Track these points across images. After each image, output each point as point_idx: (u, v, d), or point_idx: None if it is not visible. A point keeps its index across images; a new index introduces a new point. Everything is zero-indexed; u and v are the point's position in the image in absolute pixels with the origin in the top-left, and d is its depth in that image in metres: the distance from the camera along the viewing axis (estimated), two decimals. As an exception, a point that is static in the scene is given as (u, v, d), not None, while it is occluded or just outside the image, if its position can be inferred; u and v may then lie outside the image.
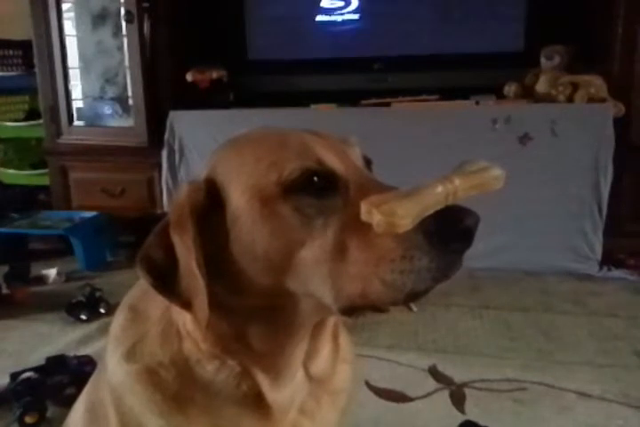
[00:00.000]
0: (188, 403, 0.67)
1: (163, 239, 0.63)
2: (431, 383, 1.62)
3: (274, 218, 0.60)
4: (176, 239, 0.62)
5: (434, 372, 1.68)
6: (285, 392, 0.69)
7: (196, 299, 0.61)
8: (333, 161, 0.62)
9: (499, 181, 0.57)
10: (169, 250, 0.62)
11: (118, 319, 0.74)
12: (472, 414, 1.47)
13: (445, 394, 1.57)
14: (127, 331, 0.72)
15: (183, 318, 0.68)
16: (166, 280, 0.63)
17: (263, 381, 0.68)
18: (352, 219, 0.56)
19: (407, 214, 0.51)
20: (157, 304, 0.71)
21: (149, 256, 0.63)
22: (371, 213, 0.52)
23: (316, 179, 0.60)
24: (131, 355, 0.69)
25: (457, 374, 1.66)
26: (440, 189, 0.53)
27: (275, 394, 0.68)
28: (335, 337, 0.77)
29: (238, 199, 0.62)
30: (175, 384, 0.67)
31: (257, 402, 0.68)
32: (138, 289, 0.76)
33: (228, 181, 0.64)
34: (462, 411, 1.49)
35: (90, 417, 0.80)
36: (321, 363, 0.73)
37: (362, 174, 0.63)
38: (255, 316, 0.66)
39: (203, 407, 0.67)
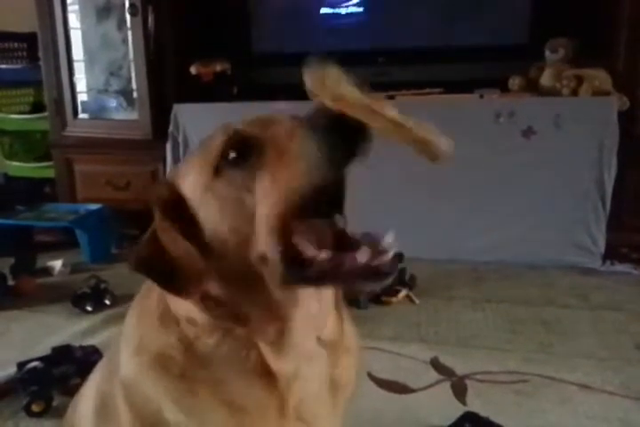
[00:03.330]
0: (196, 381, 0.68)
1: (152, 241, 0.68)
2: (433, 375, 1.64)
3: (218, 198, 0.65)
4: (161, 235, 0.67)
5: (436, 364, 1.69)
6: (289, 361, 0.70)
7: (187, 259, 0.64)
8: (247, 128, 0.66)
9: (442, 148, 0.58)
10: (159, 247, 0.66)
11: (129, 320, 0.77)
12: (473, 405, 1.48)
13: (447, 386, 1.59)
14: (135, 329, 0.75)
15: (175, 303, 0.70)
16: (168, 276, 0.66)
17: (265, 350, 0.68)
18: (278, 163, 0.61)
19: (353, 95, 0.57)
20: (155, 296, 0.73)
21: (144, 258, 0.68)
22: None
23: (231, 152, 0.64)
24: (139, 348, 0.72)
25: (458, 365, 1.68)
26: (396, 112, 0.58)
27: (278, 363, 0.69)
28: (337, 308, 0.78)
29: (192, 195, 0.68)
30: (182, 363, 0.68)
31: (264, 372, 0.69)
32: (143, 287, 0.79)
33: (182, 182, 0.70)
34: (464, 402, 1.50)
35: (101, 413, 0.81)
36: (328, 328, 0.74)
37: (276, 129, 0.65)
38: (242, 286, 0.68)
39: (211, 382, 0.68)
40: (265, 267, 0.64)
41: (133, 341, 0.73)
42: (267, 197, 0.61)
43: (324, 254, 0.61)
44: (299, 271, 0.62)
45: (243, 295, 0.68)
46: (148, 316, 0.73)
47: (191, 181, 0.68)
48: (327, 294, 0.73)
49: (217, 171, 0.65)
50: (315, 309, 0.70)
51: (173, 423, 0.68)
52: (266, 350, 0.68)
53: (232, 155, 0.64)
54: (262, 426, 0.70)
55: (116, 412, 0.74)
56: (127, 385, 0.72)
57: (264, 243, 0.63)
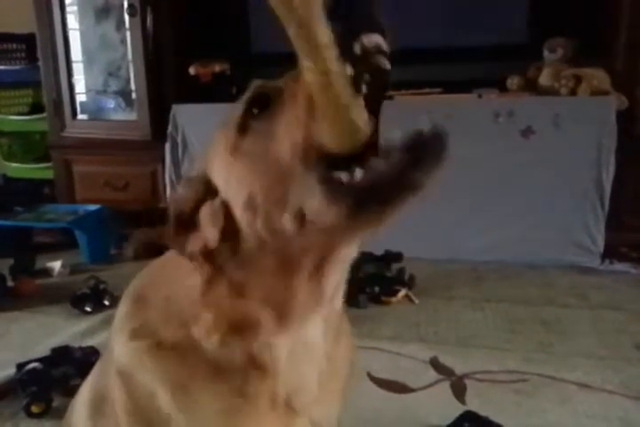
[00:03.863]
0: (195, 374, 0.67)
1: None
2: (432, 375, 1.64)
3: (247, 156, 0.60)
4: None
5: (435, 363, 1.69)
6: (284, 346, 0.67)
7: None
8: (269, 83, 0.64)
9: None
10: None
11: (123, 307, 0.75)
12: (473, 404, 1.48)
13: (446, 385, 1.59)
14: (133, 316, 0.72)
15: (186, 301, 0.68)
16: None
17: (257, 344, 0.66)
18: (295, 99, 0.57)
19: None
20: (162, 292, 0.71)
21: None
22: None
23: (254, 108, 0.62)
24: (136, 334, 0.70)
25: (458, 365, 1.67)
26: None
27: (271, 354, 0.67)
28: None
29: (219, 172, 0.64)
30: (180, 358, 0.67)
31: (252, 365, 0.67)
32: (141, 279, 0.77)
33: (210, 167, 0.66)
34: (463, 402, 1.50)
35: (96, 407, 0.81)
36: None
37: (292, 75, 0.62)
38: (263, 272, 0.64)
39: (209, 379, 0.67)
40: (306, 230, 0.56)
41: (130, 326, 0.71)
42: (292, 136, 0.55)
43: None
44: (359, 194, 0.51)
45: (261, 284, 0.64)
46: (151, 309, 0.71)
47: (218, 158, 0.64)
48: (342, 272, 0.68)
49: (243, 131, 0.61)
50: (335, 280, 0.66)
51: (166, 404, 0.67)
52: (257, 343, 0.66)
53: (255, 111, 0.61)
54: (255, 418, 0.68)
55: (111, 403, 0.72)
56: (123, 371, 0.70)
57: (303, 187, 0.54)
